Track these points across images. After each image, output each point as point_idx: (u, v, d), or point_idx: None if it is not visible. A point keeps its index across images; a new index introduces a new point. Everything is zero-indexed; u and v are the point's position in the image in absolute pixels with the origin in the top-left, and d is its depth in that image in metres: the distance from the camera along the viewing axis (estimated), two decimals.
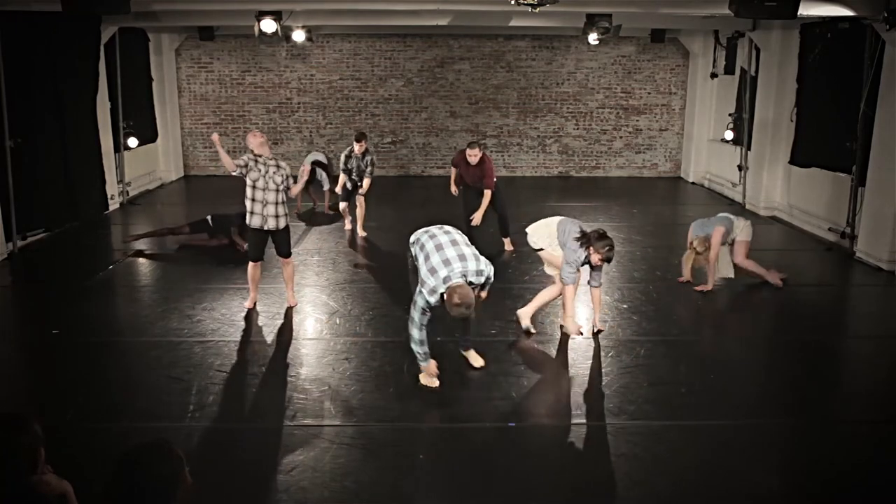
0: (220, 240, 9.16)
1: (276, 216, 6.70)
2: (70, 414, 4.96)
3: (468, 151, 8.87)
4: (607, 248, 5.92)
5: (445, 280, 4.99)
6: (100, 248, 9.79)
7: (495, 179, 8.93)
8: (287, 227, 6.88)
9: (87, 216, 10.71)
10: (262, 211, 6.66)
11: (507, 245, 9.24)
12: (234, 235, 9.06)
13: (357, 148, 9.65)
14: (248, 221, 6.75)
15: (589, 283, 6.33)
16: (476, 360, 5.77)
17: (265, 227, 6.71)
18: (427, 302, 5.07)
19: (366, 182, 9.73)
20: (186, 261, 8.80)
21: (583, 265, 6.13)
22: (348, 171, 9.72)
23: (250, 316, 6.90)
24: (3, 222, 8.76)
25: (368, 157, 9.72)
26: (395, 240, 9.80)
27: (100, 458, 3.92)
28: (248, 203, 6.69)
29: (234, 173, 6.62)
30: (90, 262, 8.81)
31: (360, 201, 9.88)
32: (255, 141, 6.71)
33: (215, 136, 6.71)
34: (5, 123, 8.75)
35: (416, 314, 5.17)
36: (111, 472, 2.12)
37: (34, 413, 2.59)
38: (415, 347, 5.30)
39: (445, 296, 4.96)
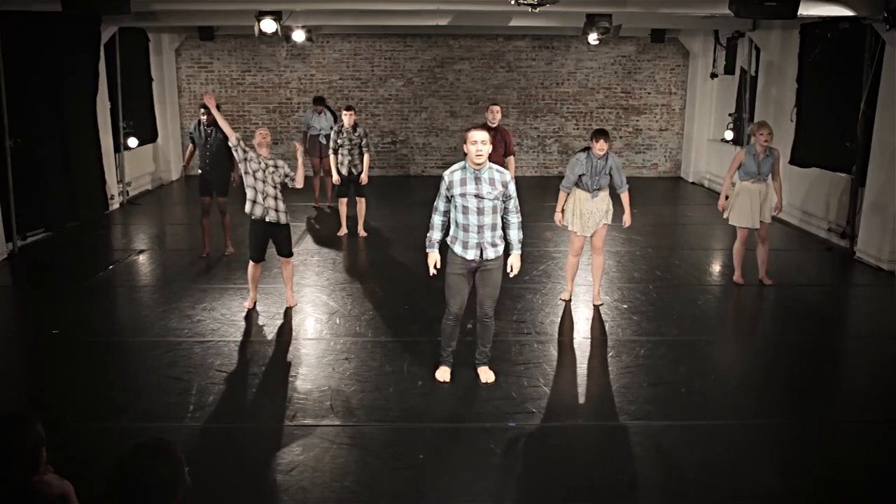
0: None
1: (277, 210, 6.79)
2: (70, 414, 4.96)
3: (492, 108, 8.82)
4: (596, 131, 6.84)
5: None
6: (100, 248, 9.80)
7: None
8: (288, 224, 6.96)
9: (87, 216, 10.70)
10: (264, 202, 6.73)
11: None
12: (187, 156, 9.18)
13: (347, 120, 9.55)
14: (249, 211, 6.78)
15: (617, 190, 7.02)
16: (487, 376, 5.55)
17: (266, 218, 6.76)
18: (445, 185, 5.18)
19: (366, 159, 9.62)
20: (186, 261, 8.80)
21: (594, 188, 6.88)
22: (340, 149, 9.57)
23: (250, 316, 6.90)
24: (3, 222, 8.76)
25: (360, 130, 9.64)
26: (395, 240, 9.81)
27: (100, 458, 3.93)
28: (249, 192, 6.76)
29: (232, 143, 6.78)
30: (90, 262, 8.81)
31: (360, 202, 9.86)
32: (259, 139, 6.79)
33: (209, 98, 6.86)
34: (5, 123, 8.75)
35: (437, 202, 5.30)
36: (111, 472, 2.11)
37: (35, 413, 2.59)
38: (429, 233, 5.37)
39: (465, 146, 5.07)
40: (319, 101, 11.93)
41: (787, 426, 4.98)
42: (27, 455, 2.42)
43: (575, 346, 6.34)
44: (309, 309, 7.14)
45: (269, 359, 5.96)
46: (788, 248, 9.87)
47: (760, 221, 7.65)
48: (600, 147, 6.74)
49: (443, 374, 5.58)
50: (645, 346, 6.25)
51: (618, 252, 9.16)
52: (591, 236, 7.11)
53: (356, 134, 9.60)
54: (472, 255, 5.18)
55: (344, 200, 9.97)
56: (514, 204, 5.24)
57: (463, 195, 5.11)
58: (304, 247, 9.40)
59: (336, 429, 4.83)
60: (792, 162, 11.07)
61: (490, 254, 5.19)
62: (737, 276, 7.95)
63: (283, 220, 6.84)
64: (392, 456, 4.54)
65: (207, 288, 7.71)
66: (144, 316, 7.03)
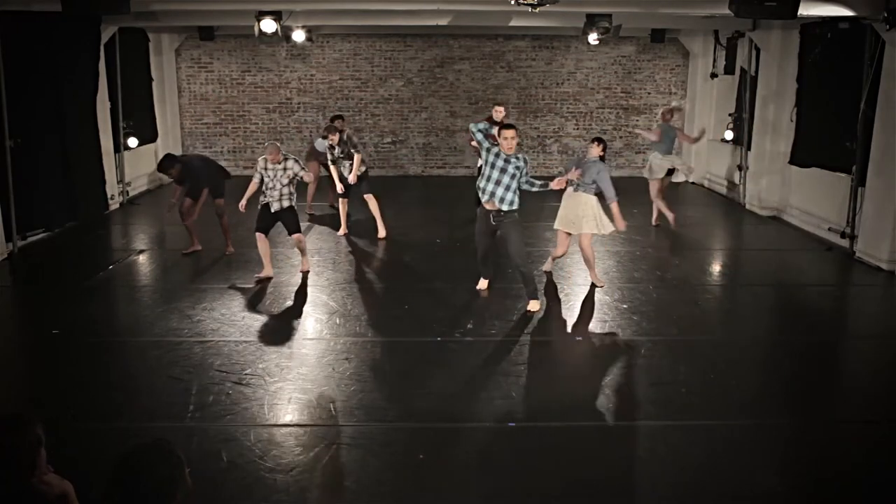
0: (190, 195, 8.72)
1: (280, 201, 7.79)
2: (70, 414, 4.96)
3: (497, 108, 10.38)
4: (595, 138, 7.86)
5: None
6: (100, 248, 9.80)
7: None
8: (292, 207, 7.86)
9: (87, 216, 10.70)
10: (271, 196, 7.78)
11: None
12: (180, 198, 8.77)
13: (331, 139, 9.57)
14: (260, 200, 7.85)
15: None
16: (532, 306, 6.91)
17: (272, 209, 7.81)
18: (487, 146, 6.85)
19: (356, 160, 9.56)
20: (186, 261, 8.80)
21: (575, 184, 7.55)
22: (335, 161, 9.67)
23: (250, 316, 6.90)
24: (3, 222, 8.76)
25: (344, 136, 9.65)
26: (395, 240, 9.80)
27: (100, 458, 3.92)
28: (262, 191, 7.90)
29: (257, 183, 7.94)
30: (90, 262, 8.81)
31: (370, 199, 9.78)
32: (270, 153, 7.76)
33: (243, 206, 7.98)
34: (5, 123, 8.75)
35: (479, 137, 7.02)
36: (111, 472, 2.11)
37: (34, 413, 2.59)
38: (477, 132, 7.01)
39: (500, 140, 6.79)
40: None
41: (787, 426, 4.98)
42: (26, 455, 2.42)
43: (575, 346, 6.34)
44: (309, 309, 7.14)
45: (269, 359, 5.95)
46: (788, 248, 9.87)
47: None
48: (592, 152, 7.60)
49: (481, 284, 7.50)
50: (645, 346, 6.25)
51: (618, 252, 9.16)
52: (579, 238, 7.64)
53: (343, 143, 9.60)
54: (486, 198, 6.78)
55: (345, 201, 9.95)
56: (526, 179, 6.80)
57: (493, 165, 6.74)
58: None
59: (336, 429, 4.83)
60: (792, 162, 11.08)
61: (503, 206, 6.74)
62: (654, 219, 10.54)
63: (286, 204, 7.80)
64: (392, 456, 4.54)
65: (207, 288, 7.71)
66: (144, 316, 7.03)
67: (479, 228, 7.02)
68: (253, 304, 7.17)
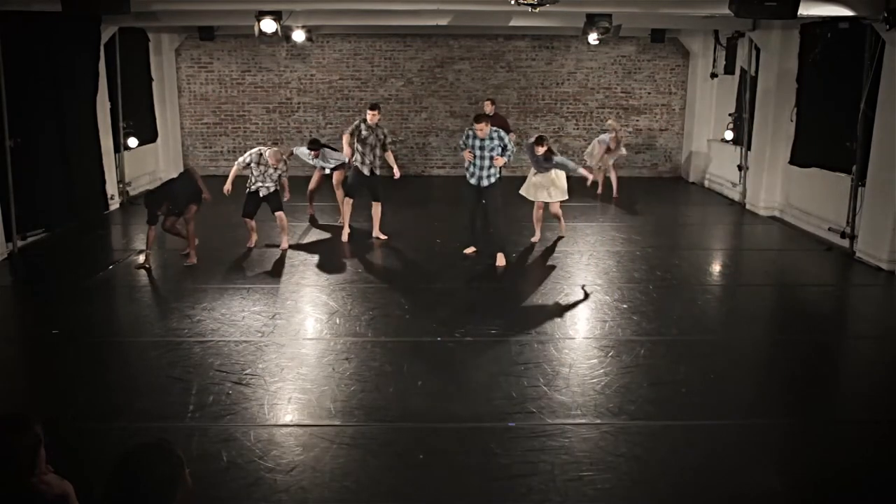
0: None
1: (267, 188, 8.91)
2: (70, 414, 4.96)
3: (485, 103, 12.17)
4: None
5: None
6: (100, 248, 9.80)
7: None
8: (276, 191, 8.97)
9: (87, 216, 10.70)
10: (261, 185, 8.82)
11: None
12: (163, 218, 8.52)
13: (370, 117, 9.27)
14: (248, 185, 8.87)
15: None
16: (500, 261, 8.37)
17: (260, 194, 8.88)
18: (465, 136, 8.50)
19: (389, 156, 9.51)
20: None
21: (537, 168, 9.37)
22: (363, 142, 9.24)
23: (250, 316, 6.90)
24: (3, 222, 8.76)
25: (382, 129, 9.47)
26: (396, 240, 9.80)
27: (100, 458, 3.92)
28: (251, 178, 8.85)
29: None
30: (90, 262, 8.81)
31: (376, 206, 9.67)
32: (271, 158, 8.77)
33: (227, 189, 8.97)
34: (5, 123, 8.75)
35: (460, 142, 8.66)
36: (111, 472, 2.11)
37: (34, 413, 2.59)
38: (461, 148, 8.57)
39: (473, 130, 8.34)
40: (315, 145, 10.35)
41: (787, 426, 4.98)
42: (26, 455, 2.42)
43: (575, 346, 6.34)
44: (309, 309, 7.14)
45: (269, 359, 5.95)
46: (788, 248, 9.87)
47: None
48: (538, 150, 9.05)
49: (469, 249, 8.72)
50: (645, 346, 6.25)
51: (618, 252, 9.16)
52: (548, 205, 9.46)
53: (379, 131, 9.39)
54: (474, 181, 8.38)
55: (349, 201, 9.80)
56: (509, 149, 8.35)
57: (472, 147, 8.29)
58: (305, 247, 9.40)
59: (336, 429, 4.83)
60: (792, 162, 11.07)
61: (485, 183, 8.37)
62: (589, 183, 10.96)
63: (272, 189, 8.90)
64: (392, 456, 4.54)
65: (207, 288, 7.71)
66: (144, 316, 7.03)
67: (467, 194, 8.51)
68: (253, 304, 7.17)
